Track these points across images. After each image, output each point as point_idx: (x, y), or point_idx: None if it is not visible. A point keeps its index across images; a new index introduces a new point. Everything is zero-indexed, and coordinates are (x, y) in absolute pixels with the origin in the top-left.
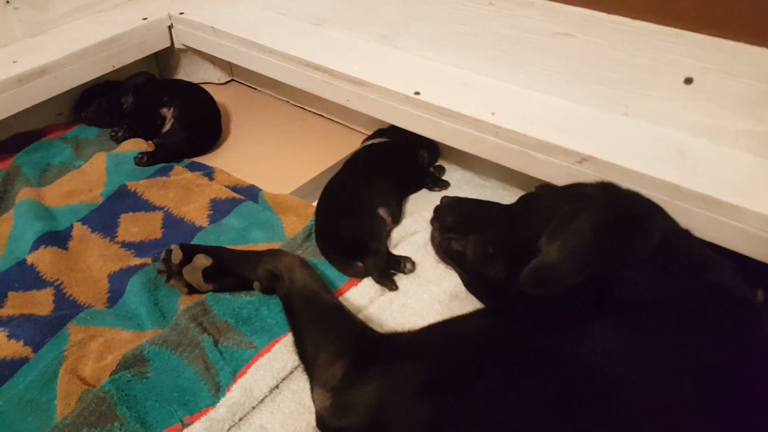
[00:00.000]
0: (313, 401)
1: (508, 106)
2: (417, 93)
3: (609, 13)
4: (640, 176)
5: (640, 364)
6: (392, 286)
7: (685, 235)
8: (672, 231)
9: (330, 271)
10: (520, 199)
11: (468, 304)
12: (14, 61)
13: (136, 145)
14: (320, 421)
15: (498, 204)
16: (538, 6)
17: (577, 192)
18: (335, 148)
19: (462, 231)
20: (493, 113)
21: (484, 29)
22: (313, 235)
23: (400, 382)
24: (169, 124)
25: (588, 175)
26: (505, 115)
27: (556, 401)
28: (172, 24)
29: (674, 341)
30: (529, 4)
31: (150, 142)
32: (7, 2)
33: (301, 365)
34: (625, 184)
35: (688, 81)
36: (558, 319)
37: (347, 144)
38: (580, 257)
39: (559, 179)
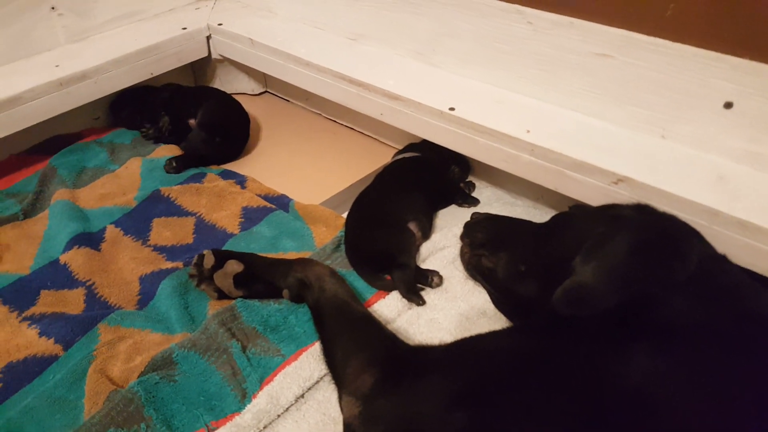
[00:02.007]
0: (341, 409)
1: (543, 124)
2: (452, 109)
3: (649, 35)
4: (678, 199)
5: (679, 388)
6: (419, 301)
7: (722, 260)
8: (709, 256)
9: (358, 283)
10: (554, 218)
11: (496, 321)
12: (56, 66)
13: (170, 152)
14: (348, 429)
15: (530, 222)
16: (576, 26)
17: (612, 213)
18: (366, 161)
19: (493, 248)
20: (528, 131)
21: (522, 48)
22: (343, 246)
23: (431, 394)
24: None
25: (623, 196)
26: (540, 134)
27: (595, 420)
28: (210, 35)
29: (712, 367)
30: (568, 24)
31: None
32: (53, 8)
33: (328, 375)
34: (662, 207)
35: (728, 105)
36: (593, 339)
37: (378, 157)
38: (616, 279)
39: (594, 199)
